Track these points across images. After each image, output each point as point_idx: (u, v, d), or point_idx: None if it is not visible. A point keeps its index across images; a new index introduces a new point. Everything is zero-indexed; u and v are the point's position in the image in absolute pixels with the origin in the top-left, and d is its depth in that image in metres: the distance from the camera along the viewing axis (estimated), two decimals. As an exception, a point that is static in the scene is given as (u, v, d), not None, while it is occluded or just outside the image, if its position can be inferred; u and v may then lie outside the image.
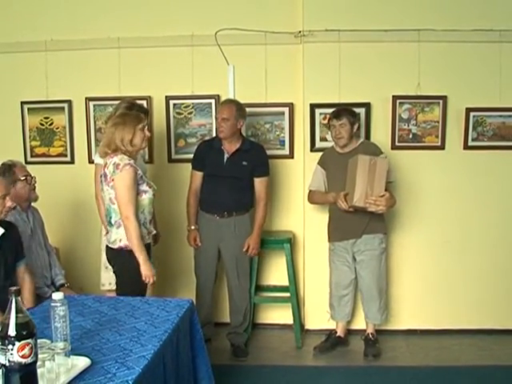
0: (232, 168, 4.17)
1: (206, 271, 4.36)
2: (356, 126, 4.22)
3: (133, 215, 3.22)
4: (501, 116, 4.51)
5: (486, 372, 4.00)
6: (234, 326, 4.42)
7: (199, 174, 4.29)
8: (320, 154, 4.41)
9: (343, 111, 4.19)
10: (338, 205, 4.04)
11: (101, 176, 3.37)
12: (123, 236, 3.30)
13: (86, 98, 4.71)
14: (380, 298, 4.32)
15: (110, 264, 3.52)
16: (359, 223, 4.17)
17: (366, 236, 4.22)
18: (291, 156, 4.70)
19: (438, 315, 4.69)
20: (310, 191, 4.40)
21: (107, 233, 3.50)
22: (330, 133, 4.33)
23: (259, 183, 4.25)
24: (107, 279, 4.04)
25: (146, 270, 3.29)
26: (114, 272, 3.50)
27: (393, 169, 4.25)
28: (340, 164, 4.14)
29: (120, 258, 3.37)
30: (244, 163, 4.16)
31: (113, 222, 3.35)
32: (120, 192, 3.23)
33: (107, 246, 3.45)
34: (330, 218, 4.37)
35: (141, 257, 3.26)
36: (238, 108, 4.15)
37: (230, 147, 4.20)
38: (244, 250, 4.26)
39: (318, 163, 4.36)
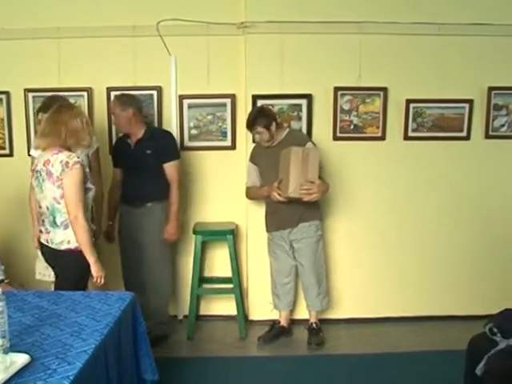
0: (137, 158, 4.19)
1: (129, 264, 4.36)
2: (274, 126, 4.22)
3: (82, 215, 3.16)
4: (440, 107, 4.59)
5: (424, 357, 4.11)
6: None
7: (116, 170, 4.38)
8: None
9: (255, 119, 4.21)
10: (273, 197, 4.09)
11: (37, 171, 3.26)
12: (72, 237, 3.22)
13: (24, 90, 4.60)
14: (319, 285, 4.39)
15: (51, 265, 3.42)
16: (294, 212, 4.22)
17: (302, 224, 4.28)
18: (233, 147, 4.70)
19: (378, 303, 4.78)
20: (247, 188, 4.44)
21: (42, 232, 3.37)
22: None
23: (167, 168, 4.23)
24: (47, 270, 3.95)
25: (98, 271, 3.24)
26: (55, 274, 3.41)
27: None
28: (270, 157, 4.18)
29: (66, 261, 3.27)
30: (148, 152, 4.17)
31: (58, 222, 3.24)
32: (70, 191, 3.14)
33: (47, 247, 3.33)
34: (267, 209, 4.40)
35: (92, 258, 3.21)
36: (123, 101, 4.15)
37: (134, 138, 4.23)
38: (164, 237, 4.25)
39: (250, 160, 4.41)
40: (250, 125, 4.23)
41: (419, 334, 4.57)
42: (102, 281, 3.27)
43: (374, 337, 4.53)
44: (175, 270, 4.74)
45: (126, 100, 4.15)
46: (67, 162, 3.14)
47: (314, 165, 3.98)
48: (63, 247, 3.26)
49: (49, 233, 3.31)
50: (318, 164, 4.02)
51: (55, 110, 3.31)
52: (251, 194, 4.44)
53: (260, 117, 4.20)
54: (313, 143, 4.27)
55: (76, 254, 3.23)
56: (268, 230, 4.43)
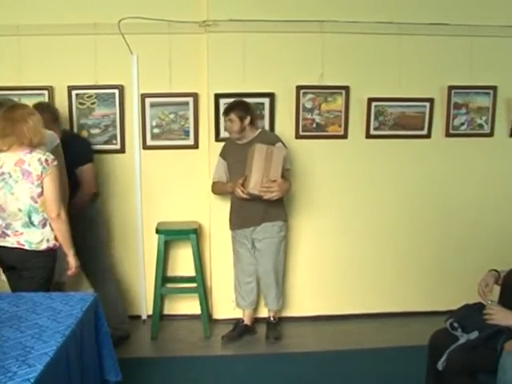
0: None
1: None
2: (248, 120, 4.23)
3: (64, 212, 3.19)
4: (401, 106, 4.64)
5: (386, 353, 4.17)
6: None
7: None
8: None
9: (232, 107, 4.23)
10: (236, 193, 4.10)
11: (3, 174, 3.18)
12: (50, 235, 3.21)
13: (-16, 88, 4.53)
14: (277, 286, 4.41)
15: (20, 267, 3.27)
16: (258, 211, 4.23)
17: (265, 224, 4.28)
18: (196, 146, 4.68)
19: (341, 301, 4.82)
20: (214, 182, 4.43)
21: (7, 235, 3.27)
22: None
23: (78, 173, 4.11)
24: None
25: (75, 262, 3.35)
26: (18, 276, 3.30)
27: (290, 156, 4.32)
28: (240, 154, 4.18)
29: (40, 261, 3.23)
30: None
31: (36, 222, 3.20)
32: (52, 189, 3.15)
33: (19, 249, 3.23)
34: (231, 206, 4.40)
35: (71, 251, 3.30)
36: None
37: None
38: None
39: (220, 154, 4.40)
40: (227, 109, 4.24)
41: (382, 330, 4.62)
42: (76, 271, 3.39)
43: (337, 334, 4.57)
44: (138, 269, 4.71)
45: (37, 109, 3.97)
46: (46, 160, 3.14)
47: (277, 164, 4.00)
48: (43, 247, 3.23)
49: (21, 234, 3.24)
50: (282, 163, 4.03)
51: (10, 109, 3.26)
52: (216, 188, 4.42)
53: (238, 106, 4.23)
54: (283, 144, 4.27)
55: (52, 253, 3.26)
56: (231, 228, 4.43)
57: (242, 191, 4.05)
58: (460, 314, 2.99)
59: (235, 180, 4.16)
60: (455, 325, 2.91)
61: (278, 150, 4.05)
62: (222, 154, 4.38)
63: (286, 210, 4.44)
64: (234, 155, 4.27)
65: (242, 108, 4.23)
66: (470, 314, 2.95)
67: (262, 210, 4.23)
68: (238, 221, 4.35)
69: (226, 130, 4.32)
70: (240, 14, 4.44)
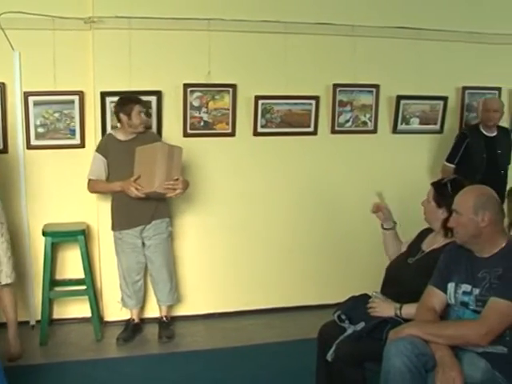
0: None
1: None
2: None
3: None
4: (287, 104, 4.73)
5: (278, 348, 4.24)
6: None
7: None
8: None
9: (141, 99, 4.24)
10: (130, 192, 4.04)
11: None
12: None
13: None
14: (170, 280, 4.44)
15: None
16: (147, 209, 4.23)
17: (154, 221, 4.30)
18: (82, 145, 4.57)
19: (233, 298, 4.85)
20: (91, 180, 4.32)
21: None
22: (121, 119, 4.25)
23: None
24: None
25: None
26: None
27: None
28: (123, 151, 4.16)
29: None
30: None
31: None
32: None
33: None
34: (116, 206, 4.34)
35: None
36: None
37: None
38: None
39: (98, 151, 4.30)
40: (141, 100, 4.22)
41: (274, 325, 4.69)
42: None
43: (230, 331, 4.60)
44: (25, 273, 4.57)
45: None
46: None
47: (178, 162, 4.06)
48: None
49: None
50: (181, 161, 4.09)
51: None
52: (97, 187, 4.32)
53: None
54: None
55: None
56: (117, 228, 4.35)
57: (137, 189, 4.00)
58: (347, 306, 3.07)
59: (119, 177, 4.13)
60: (342, 317, 2.98)
61: (177, 149, 4.08)
62: (102, 151, 4.28)
63: (176, 208, 4.47)
64: (117, 152, 4.22)
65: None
66: (357, 306, 3.03)
67: (151, 208, 4.24)
68: (126, 221, 4.29)
69: (138, 123, 4.21)
70: (126, 11, 4.39)
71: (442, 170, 4.96)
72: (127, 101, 4.21)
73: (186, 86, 4.53)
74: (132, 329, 4.46)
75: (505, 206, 3.34)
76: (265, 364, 3.98)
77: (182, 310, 4.71)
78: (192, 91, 4.55)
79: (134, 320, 4.49)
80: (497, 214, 2.58)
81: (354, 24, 4.73)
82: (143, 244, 4.35)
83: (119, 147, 4.22)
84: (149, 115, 4.43)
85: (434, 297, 2.73)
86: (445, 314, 2.73)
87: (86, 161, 4.51)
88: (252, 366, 3.97)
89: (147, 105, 4.45)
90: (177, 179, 4.04)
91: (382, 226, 3.45)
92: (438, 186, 3.08)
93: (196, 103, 4.58)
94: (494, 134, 4.97)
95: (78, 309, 4.65)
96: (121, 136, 4.27)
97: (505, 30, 5.05)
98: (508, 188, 3.25)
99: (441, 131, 5.19)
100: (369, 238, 4.80)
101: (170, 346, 4.34)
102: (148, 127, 4.41)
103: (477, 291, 2.55)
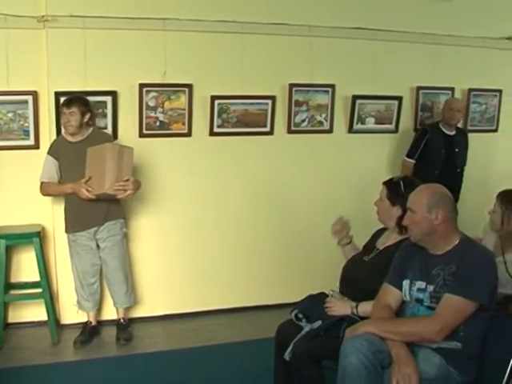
0: None
1: None
2: (88, 116, 4.18)
3: None
4: (244, 103, 4.74)
5: (237, 348, 4.27)
6: None
7: None
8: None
9: (75, 100, 4.14)
10: (81, 194, 4.01)
11: None
12: None
13: None
14: (126, 282, 4.42)
15: None
16: (100, 211, 4.20)
17: (107, 223, 4.26)
18: (37, 146, 4.49)
19: (192, 298, 4.85)
20: (43, 183, 4.27)
21: None
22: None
23: None
24: None
25: None
26: None
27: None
28: (73, 153, 4.12)
29: None
30: None
31: None
32: None
33: None
34: (69, 208, 4.30)
35: None
36: None
37: None
38: None
39: (49, 153, 4.26)
40: (69, 101, 4.13)
41: (233, 325, 4.70)
42: None
43: (189, 332, 4.59)
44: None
45: None
46: None
47: (129, 162, 4.02)
48: None
49: None
50: (132, 162, 4.05)
51: None
52: (49, 189, 4.27)
53: (81, 100, 4.15)
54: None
55: None
56: (71, 230, 4.31)
57: (88, 191, 3.97)
58: (304, 305, 3.10)
59: (70, 179, 4.10)
60: (300, 315, 3.00)
61: (128, 149, 4.04)
62: (53, 153, 4.23)
63: (131, 209, 4.45)
64: (69, 154, 4.18)
65: (84, 102, 4.17)
66: (314, 305, 3.06)
67: (104, 210, 4.21)
68: (79, 222, 4.26)
69: (62, 123, 4.18)
70: (81, 10, 4.32)
71: (401, 165, 5.06)
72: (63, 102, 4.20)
73: (141, 85, 4.50)
74: (89, 332, 4.42)
75: (495, 206, 3.39)
76: (223, 364, 3.99)
77: (139, 312, 4.69)
78: (148, 91, 4.53)
79: (91, 323, 4.45)
80: (450, 212, 2.63)
81: (311, 24, 4.77)
82: (98, 246, 4.32)
83: (70, 148, 4.18)
84: (103, 115, 4.40)
85: (390, 294, 2.78)
86: (400, 311, 2.78)
87: (40, 162, 4.42)
88: (211, 366, 3.96)
89: (102, 105, 4.41)
90: (127, 180, 4.01)
91: (338, 243, 3.46)
92: (390, 185, 3.12)
93: (152, 103, 4.55)
94: (454, 133, 5.09)
95: (34, 312, 4.57)
96: (70, 137, 4.22)
97: (457, 31, 5.16)
98: (497, 192, 3.34)
99: (396, 131, 5.28)
100: (325, 236, 4.81)
101: (128, 348, 4.31)
102: (103, 127, 4.38)
103: (431, 288, 2.60)
